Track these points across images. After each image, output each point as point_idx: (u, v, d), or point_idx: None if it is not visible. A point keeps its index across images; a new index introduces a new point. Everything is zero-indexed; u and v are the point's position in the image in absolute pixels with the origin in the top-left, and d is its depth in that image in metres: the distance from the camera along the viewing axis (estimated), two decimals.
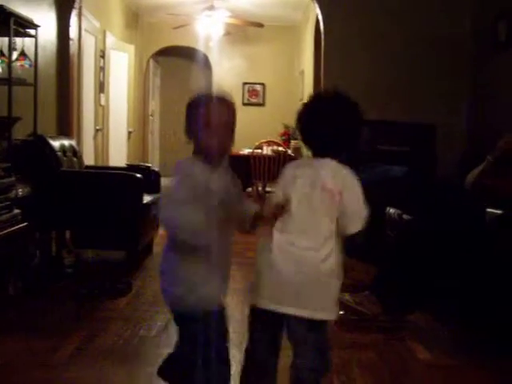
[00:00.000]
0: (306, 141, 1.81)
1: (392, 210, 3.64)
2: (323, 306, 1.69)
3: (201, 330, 1.65)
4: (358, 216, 1.71)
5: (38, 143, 4.00)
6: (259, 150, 7.13)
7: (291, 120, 8.77)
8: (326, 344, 1.76)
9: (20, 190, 3.45)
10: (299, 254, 1.67)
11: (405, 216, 3.44)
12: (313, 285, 1.67)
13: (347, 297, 2.94)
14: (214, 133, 1.65)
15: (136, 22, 9.20)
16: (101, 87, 6.90)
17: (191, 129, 1.69)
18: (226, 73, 9.63)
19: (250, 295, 1.75)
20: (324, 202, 1.69)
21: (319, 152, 1.76)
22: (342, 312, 2.98)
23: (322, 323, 1.72)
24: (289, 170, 1.79)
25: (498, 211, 2.88)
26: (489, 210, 2.92)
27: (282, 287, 1.67)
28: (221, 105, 1.70)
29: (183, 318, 1.71)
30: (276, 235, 1.71)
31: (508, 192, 3.03)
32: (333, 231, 1.71)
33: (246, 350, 1.81)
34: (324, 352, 1.74)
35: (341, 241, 1.74)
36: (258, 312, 1.73)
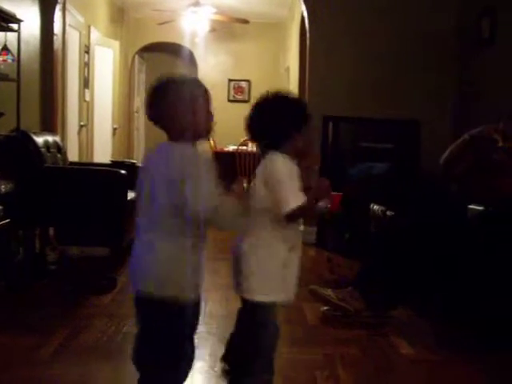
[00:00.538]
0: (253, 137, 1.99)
1: (376, 207, 3.66)
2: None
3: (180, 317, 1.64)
4: (279, 202, 1.77)
5: (22, 139, 3.96)
6: (244, 147, 7.14)
7: None
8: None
9: (3, 186, 3.42)
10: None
11: (388, 212, 3.46)
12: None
13: (330, 292, 2.95)
14: (200, 112, 1.67)
15: (121, 17, 9.15)
16: (85, 83, 6.86)
17: (169, 112, 1.65)
18: (212, 69, 9.61)
19: None
20: (260, 193, 1.82)
21: (262, 146, 1.94)
22: (325, 308, 3.00)
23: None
24: None
25: (480, 207, 2.91)
26: (471, 206, 2.95)
27: None
28: (197, 85, 1.72)
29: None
30: None
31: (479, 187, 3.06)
32: (264, 221, 1.81)
33: None
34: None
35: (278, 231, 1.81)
36: None
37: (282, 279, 1.82)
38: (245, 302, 1.85)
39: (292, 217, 1.77)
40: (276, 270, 1.81)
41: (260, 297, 1.81)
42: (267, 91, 1.93)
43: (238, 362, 1.91)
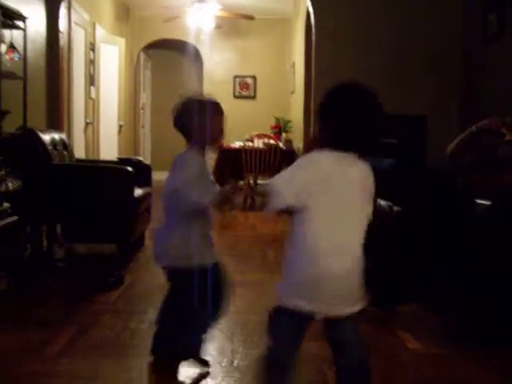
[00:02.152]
0: (332, 134, 1.71)
1: (382, 202, 3.65)
2: None
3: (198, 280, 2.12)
4: None
5: (28, 137, 3.98)
6: (250, 143, 7.14)
7: (282, 113, 8.81)
8: None
9: (10, 183, 3.44)
10: None
11: (395, 208, 3.46)
12: None
13: None
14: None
15: (126, 15, 9.16)
16: (91, 80, 6.88)
17: (192, 125, 2.17)
18: (217, 66, 9.61)
19: None
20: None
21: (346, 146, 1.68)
22: None
23: None
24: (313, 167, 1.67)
25: (488, 202, 2.90)
26: (479, 200, 2.94)
27: None
28: (215, 105, 2.22)
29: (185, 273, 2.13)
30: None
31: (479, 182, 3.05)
32: None
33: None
34: None
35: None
36: None
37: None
38: None
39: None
40: None
41: None
42: (350, 82, 1.75)
43: None
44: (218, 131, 2.23)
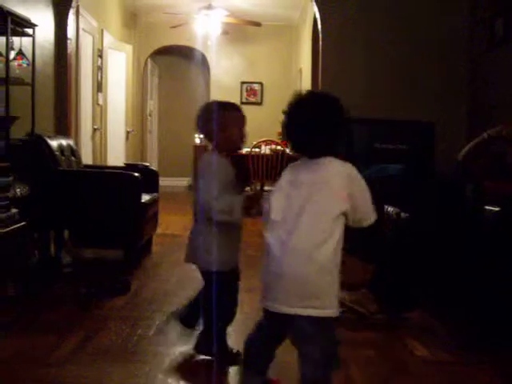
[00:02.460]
0: (295, 148, 1.86)
1: (390, 209, 3.64)
2: None
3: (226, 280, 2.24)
4: None
5: (36, 143, 4.00)
6: (257, 150, 7.14)
7: None
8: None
9: (18, 189, 3.45)
10: None
11: (403, 214, 3.44)
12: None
13: (344, 295, 2.94)
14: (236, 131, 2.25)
15: (134, 21, 9.20)
16: (99, 87, 6.91)
17: (211, 129, 2.20)
18: (224, 72, 9.64)
19: None
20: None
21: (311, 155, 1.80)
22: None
23: None
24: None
25: (496, 208, 2.89)
26: (487, 207, 2.92)
27: None
28: (236, 110, 2.26)
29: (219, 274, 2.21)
30: None
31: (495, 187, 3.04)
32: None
33: None
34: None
35: None
36: None
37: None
38: None
39: None
40: None
41: None
42: (299, 93, 1.92)
43: None
44: (236, 136, 2.24)
